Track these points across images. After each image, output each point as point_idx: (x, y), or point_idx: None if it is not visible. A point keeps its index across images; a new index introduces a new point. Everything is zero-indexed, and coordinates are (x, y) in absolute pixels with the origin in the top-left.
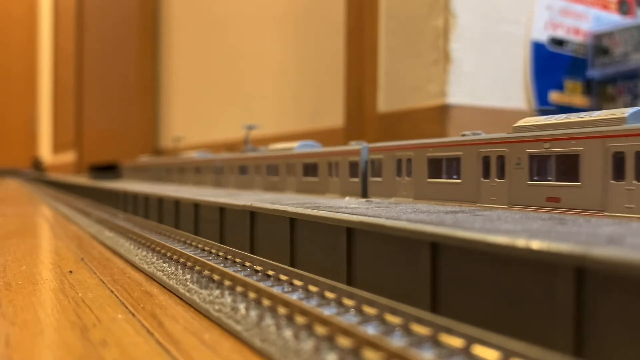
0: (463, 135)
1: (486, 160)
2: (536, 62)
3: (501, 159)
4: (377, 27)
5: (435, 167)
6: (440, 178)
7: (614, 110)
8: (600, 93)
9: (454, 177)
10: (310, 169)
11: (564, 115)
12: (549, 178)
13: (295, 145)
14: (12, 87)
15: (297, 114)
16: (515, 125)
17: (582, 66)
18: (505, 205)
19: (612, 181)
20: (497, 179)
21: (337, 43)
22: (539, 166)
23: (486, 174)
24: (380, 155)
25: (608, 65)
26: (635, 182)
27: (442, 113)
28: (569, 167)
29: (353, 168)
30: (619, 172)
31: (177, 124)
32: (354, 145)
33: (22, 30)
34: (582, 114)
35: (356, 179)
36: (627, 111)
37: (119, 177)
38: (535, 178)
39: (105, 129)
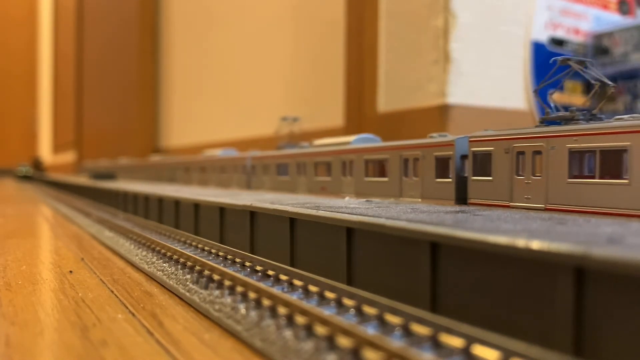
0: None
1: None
2: (536, 62)
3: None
4: (377, 27)
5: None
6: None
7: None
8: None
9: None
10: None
11: None
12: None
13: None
14: (13, 87)
15: (296, 114)
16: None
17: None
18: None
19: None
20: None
21: (337, 43)
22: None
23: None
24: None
25: (608, 65)
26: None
27: (442, 113)
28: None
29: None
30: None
31: (177, 123)
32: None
33: (23, 31)
34: None
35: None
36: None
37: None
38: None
39: (105, 129)
